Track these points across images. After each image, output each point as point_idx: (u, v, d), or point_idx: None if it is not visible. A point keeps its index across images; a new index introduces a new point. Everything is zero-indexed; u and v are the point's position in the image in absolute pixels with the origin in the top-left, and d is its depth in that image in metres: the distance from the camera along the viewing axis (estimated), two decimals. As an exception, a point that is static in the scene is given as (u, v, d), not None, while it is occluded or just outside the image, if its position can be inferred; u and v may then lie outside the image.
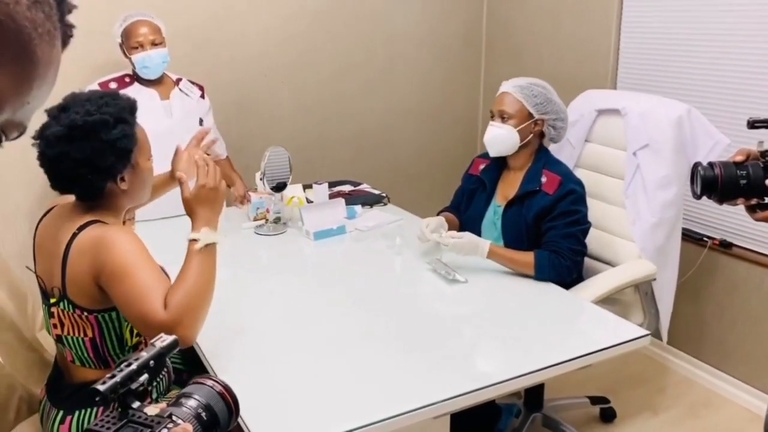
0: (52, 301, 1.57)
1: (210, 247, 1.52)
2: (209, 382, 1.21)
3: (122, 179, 1.57)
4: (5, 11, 0.44)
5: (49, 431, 1.61)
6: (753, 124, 1.37)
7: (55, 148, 1.46)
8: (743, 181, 1.33)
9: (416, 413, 1.42)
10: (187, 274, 1.48)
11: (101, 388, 0.79)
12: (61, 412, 1.59)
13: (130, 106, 1.58)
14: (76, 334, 1.55)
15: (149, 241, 2.10)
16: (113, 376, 0.81)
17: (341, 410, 1.43)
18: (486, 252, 2.08)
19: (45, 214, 1.68)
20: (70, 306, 1.53)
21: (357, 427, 1.35)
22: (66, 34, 0.51)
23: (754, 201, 1.36)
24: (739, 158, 1.37)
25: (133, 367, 0.84)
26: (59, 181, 1.53)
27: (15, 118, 0.50)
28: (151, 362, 0.87)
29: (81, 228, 1.50)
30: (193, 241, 1.52)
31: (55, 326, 1.60)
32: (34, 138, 1.50)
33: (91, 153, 1.47)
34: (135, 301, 1.42)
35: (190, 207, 1.58)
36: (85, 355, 1.57)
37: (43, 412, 1.66)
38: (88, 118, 1.47)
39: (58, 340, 1.62)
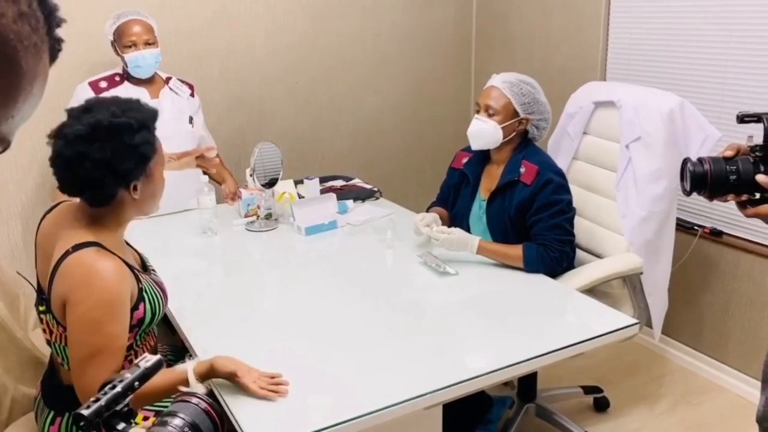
0: (41, 309, 1.57)
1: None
2: (194, 400, 1.20)
3: (135, 188, 1.51)
4: None
5: (41, 430, 1.61)
6: (742, 119, 1.33)
7: (75, 147, 1.41)
8: (733, 177, 1.30)
9: (408, 404, 1.42)
10: (152, 386, 1.38)
11: (85, 412, 0.78)
12: (52, 413, 1.60)
13: (153, 116, 1.55)
14: (63, 343, 1.54)
15: (144, 239, 2.11)
16: (97, 400, 0.80)
17: (333, 402, 1.43)
18: (475, 248, 2.09)
19: (51, 209, 1.64)
20: (54, 320, 1.53)
21: (349, 419, 1.36)
22: (54, 48, 0.51)
23: (744, 197, 1.32)
24: (729, 153, 1.33)
25: (118, 389, 0.83)
26: (71, 182, 1.47)
27: None
28: (136, 383, 0.86)
29: (76, 247, 1.45)
30: (185, 379, 1.42)
31: (44, 330, 1.60)
32: (49, 136, 1.45)
33: (112, 155, 1.43)
34: (83, 356, 1.43)
35: (215, 370, 1.45)
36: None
37: (38, 410, 1.67)
38: (114, 119, 1.44)
39: (48, 343, 1.62)
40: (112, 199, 1.49)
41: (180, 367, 1.45)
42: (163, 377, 1.44)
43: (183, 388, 1.38)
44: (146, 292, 1.58)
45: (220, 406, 1.39)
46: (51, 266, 1.48)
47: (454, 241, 2.08)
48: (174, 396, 1.59)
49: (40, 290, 1.60)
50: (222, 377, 1.46)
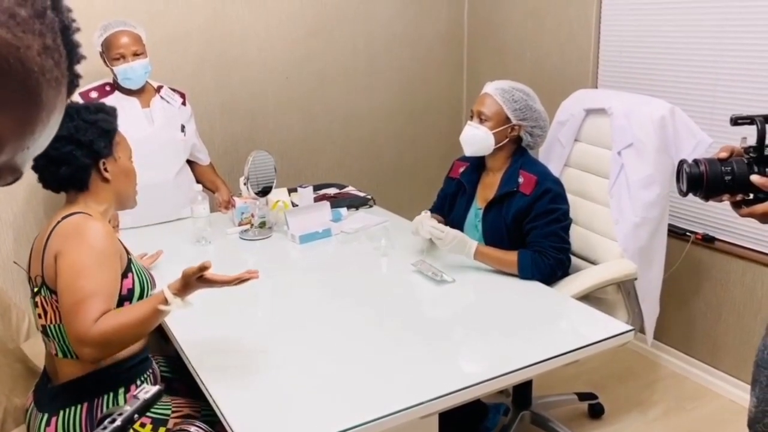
0: (35, 290, 1.61)
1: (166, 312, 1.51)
2: (192, 429, 1.20)
3: (105, 169, 1.66)
4: (16, 55, 0.44)
5: (35, 437, 1.61)
6: (736, 121, 1.37)
7: None
8: (728, 178, 1.33)
9: (404, 413, 1.42)
10: (135, 314, 1.50)
11: None
12: (46, 415, 1.60)
13: (111, 109, 1.73)
14: (57, 321, 1.58)
15: (138, 248, 2.10)
16: None
17: (329, 412, 1.43)
18: (473, 252, 2.10)
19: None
20: (48, 292, 1.57)
21: (345, 429, 1.35)
22: (72, 83, 0.52)
23: (739, 197, 1.36)
24: (723, 155, 1.37)
25: (118, 423, 0.82)
26: (47, 168, 1.60)
27: (13, 162, 0.50)
28: (136, 416, 0.86)
29: (66, 216, 1.58)
30: (164, 298, 1.48)
31: (39, 316, 1.63)
32: None
33: (75, 129, 1.60)
34: (74, 301, 1.48)
35: (190, 281, 1.48)
36: (67, 343, 1.58)
37: (30, 419, 1.66)
38: (72, 104, 1.65)
39: (44, 332, 1.64)
40: (86, 174, 1.64)
41: (155, 291, 1.56)
42: (141, 305, 1.52)
43: (162, 307, 1.46)
44: (134, 264, 1.69)
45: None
46: (44, 242, 1.56)
47: (452, 241, 2.09)
48: (174, 425, 1.61)
49: (31, 288, 1.65)
50: (193, 278, 1.46)
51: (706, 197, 1.38)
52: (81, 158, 1.61)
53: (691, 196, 1.38)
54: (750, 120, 1.35)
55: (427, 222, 2.15)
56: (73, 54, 0.51)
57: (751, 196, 1.34)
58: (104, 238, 1.56)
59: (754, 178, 1.32)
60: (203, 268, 1.45)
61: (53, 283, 1.54)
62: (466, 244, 2.11)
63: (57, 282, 1.52)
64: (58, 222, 1.57)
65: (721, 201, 1.38)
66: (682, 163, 1.39)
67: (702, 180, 1.35)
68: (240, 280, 1.51)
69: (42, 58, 0.46)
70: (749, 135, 1.36)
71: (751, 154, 1.34)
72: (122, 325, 1.47)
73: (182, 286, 1.48)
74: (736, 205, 1.38)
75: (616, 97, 2.49)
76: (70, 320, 1.48)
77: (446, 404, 1.49)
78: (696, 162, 1.36)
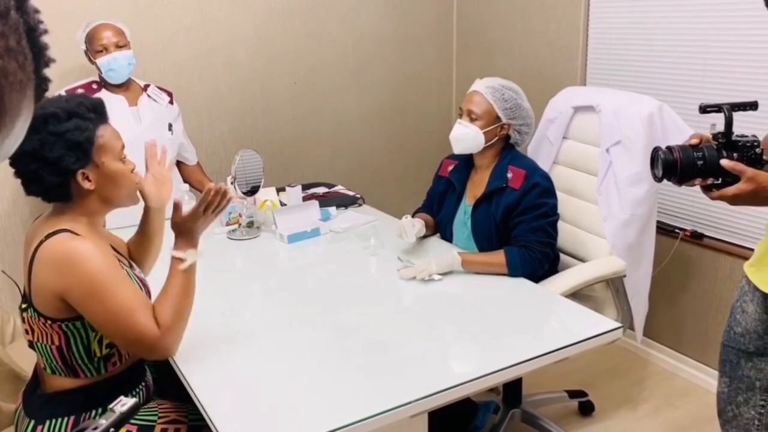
0: (23, 306, 1.56)
1: (192, 265, 1.56)
2: None
3: (86, 178, 1.51)
4: None
5: (21, 441, 1.58)
6: (704, 109, 1.47)
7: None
8: (700, 162, 1.43)
9: (393, 412, 1.41)
10: (174, 291, 1.52)
11: None
12: (32, 422, 1.57)
13: (92, 105, 1.53)
14: (44, 341, 1.54)
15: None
16: None
17: (318, 412, 1.42)
18: (459, 264, 2.08)
19: (35, 220, 1.66)
20: (36, 313, 1.52)
21: (334, 429, 1.34)
22: (41, 87, 0.50)
23: (710, 181, 1.45)
24: (694, 141, 1.47)
25: None
26: (21, 181, 1.51)
27: None
28: (112, 430, 0.84)
29: (49, 236, 1.47)
30: (177, 259, 1.52)
31: (26, 332, 1.58)
32: None
33: (40, 145, 1.43)
34: (122, 320, 1.45)
35: (182, 227, 1.56)
36: (54, 362, 1.55)
37: (18, 421, 1.64)
38: (39, 111, 1.46)
39: (30, 345, 1.60)
40: (66, 190, 1.51)
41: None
42: (169, 282, 1.55)
43: (182, 266, 1.53)
44: (129, 276, 1.60)
45: None
46: (28, 261, 1.49)
47: (434, 266, 2.06)
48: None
49: (22, 295, 1.59)
50: (180, 222, 1.57)
51: (680, 182, 1.47)
52: (49, 177, 1.46)
53: (674, 188, 1.44)
54: (717, 108, 1.46)
55: (410, 272, 2.07)
56: (40, 57, 0.49)
57: (720, 180, 1.44)
58: (99, 256, 1.47)
59: (724, 162, 1.41)
60: (177, 206, 1.53)
61: (43, 309, 1.49)
62: (449, 261, 2.08)
63: (88, 318, 1.48)
64: (42, 241, 1.47)
65: (693, 185, 1.48)
66: (656, 150, 1.48)
67: (676, 166, 1.44)
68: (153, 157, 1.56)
69: (4, 61, 0.44)
70: (718, 122, 1.47)
71: (720, 140, 1.45)
72: (174, 308, 1.50)
73: (180, 240, 1.53)
74: (707, 189, 1.47)
75: (605, 94, 2.49)
76: (132, 344, 1.47)
77: (436, 403, 1.48)
78: (669, 149, 1.45)
